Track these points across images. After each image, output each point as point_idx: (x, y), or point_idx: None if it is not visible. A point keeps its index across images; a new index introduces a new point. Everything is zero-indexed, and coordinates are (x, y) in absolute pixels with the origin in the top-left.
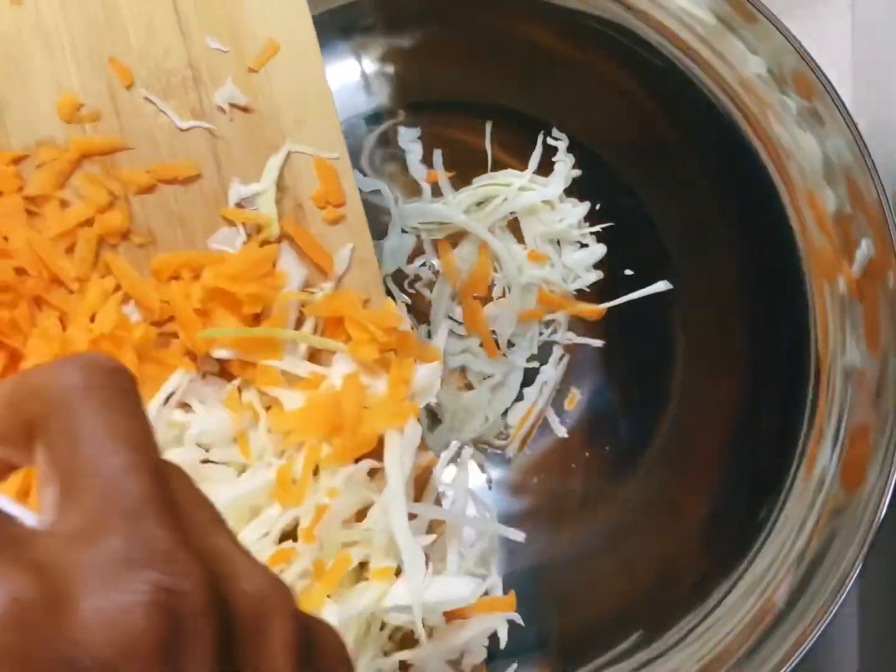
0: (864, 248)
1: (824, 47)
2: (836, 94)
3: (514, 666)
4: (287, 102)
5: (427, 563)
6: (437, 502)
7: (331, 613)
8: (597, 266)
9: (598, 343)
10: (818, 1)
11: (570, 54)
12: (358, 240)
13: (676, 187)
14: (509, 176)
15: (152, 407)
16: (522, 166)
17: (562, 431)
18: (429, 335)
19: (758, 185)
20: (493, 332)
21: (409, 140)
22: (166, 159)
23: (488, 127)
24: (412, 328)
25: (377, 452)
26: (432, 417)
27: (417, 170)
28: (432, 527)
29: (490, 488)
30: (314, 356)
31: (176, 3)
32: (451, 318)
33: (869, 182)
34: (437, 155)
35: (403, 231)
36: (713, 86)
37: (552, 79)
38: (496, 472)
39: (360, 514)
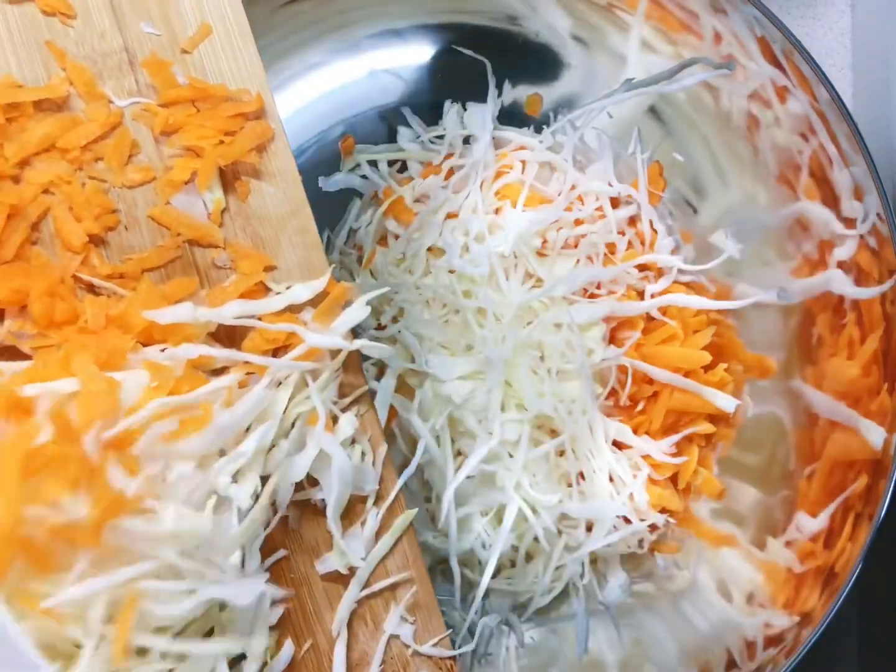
0: None
1: (824, 47)
2: (837, 94)
3: None
4: (221, 80)
5: None
6: None
7: None
8: None
9: None
10: (818, 1)
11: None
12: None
13: None
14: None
15: None
16: None
17: None
18: None
19: None
20: None
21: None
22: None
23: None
24: None
25: None
26: None
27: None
28: None
29: None
30: None
31: None
32: None
33: (869, 181)
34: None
35: None
36: None
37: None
38: None
39: None
